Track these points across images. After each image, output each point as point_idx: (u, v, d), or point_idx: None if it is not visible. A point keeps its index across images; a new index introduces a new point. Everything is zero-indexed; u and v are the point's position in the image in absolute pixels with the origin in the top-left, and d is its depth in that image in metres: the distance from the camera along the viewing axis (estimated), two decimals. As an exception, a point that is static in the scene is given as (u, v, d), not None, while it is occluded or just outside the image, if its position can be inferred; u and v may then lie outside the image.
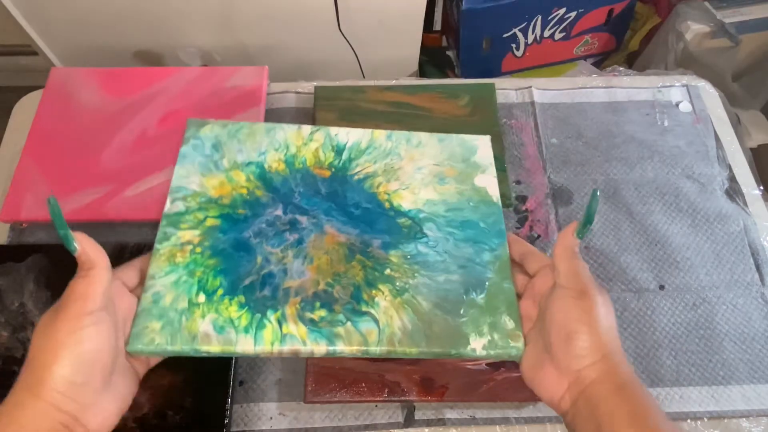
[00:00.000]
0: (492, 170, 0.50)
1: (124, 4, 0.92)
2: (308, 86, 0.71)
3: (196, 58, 1.00)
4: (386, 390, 0.51)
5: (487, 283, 0.43)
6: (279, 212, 0.45)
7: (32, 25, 0.95)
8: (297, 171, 0.47)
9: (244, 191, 0.45)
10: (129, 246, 0.57)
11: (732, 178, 0.66)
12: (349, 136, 0.50)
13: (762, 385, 0.54)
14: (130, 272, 0.40)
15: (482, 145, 0.52)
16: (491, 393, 0.51)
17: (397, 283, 0.42)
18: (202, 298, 0.40)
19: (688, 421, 0.53)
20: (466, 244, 0.45)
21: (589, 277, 0.36)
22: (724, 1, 1.09)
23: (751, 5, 1.09)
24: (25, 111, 0.69)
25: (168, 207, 0.44)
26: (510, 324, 0.41)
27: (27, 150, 0.63)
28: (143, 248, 0.57)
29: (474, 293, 0.42)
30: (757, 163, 0.69)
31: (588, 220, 0.37)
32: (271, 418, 0.52)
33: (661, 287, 0.59)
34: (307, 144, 0.49)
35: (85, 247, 0.35)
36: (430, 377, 0.52)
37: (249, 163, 0.47)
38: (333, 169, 0.48)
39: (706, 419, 0.53)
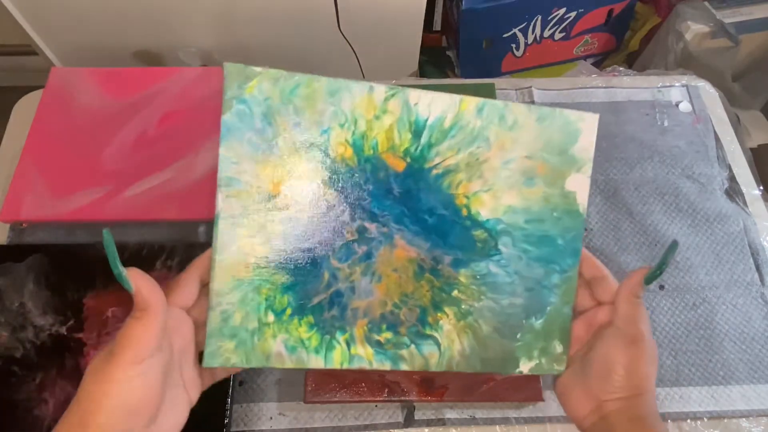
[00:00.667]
0: (588, 167, 0.42)
1: (124, 4, 0.92)
2: (308, 86, 0.71)
3: (195, 58, 1.00)
4: (386, 390, 0.51)
5: (548, 308, 0.41)
6: (346, 217, 0.39)
7: (32, 25, 0.95)
8: (367, 160, 0.40)
9: (306, 186, 0.39)
10: (129, 246, 0.58)
11: (732, 178, 0.66)
12: (431, 108, 0.40)
13: (762, 385, 0.54)
14: (188, 289, 0.37)
15: (586, 129, 0.42)
16: (491, 393, 0.51)
17: (463, 306, 0.41)
18: (271, 317, 0.38)
19: (688, 421, 0.53)
20: (538, 264, 0.41)
21: (646, 326, 0.37)
22: (724, 1, 1.09)
23: (750, 5, 1.09)
24: (25, 111, 0.69)
25: (220, 205, 0.37)
26: (559, 348, 0.41)
27: (27, 150, 0.63)
28: (143, 248, 0.57)
29: (534, 318, 0.41)
30: (757, 163, 0.69)
31: (660, 269, 0.36)
32: (271, 418, 0.52)
33: (661, 287, 0.59)
34: (380, 118, 0.39)
35: (139, 286, 0.33)
36: (430, 377, 0.52)
37: (310, 146, 0.39)
38: (408, 159, 0.40)
39: (706, 419, 0.53)
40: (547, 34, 1.19)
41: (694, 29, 1.07)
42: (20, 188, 0.61)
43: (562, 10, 1.14)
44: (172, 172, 0.62)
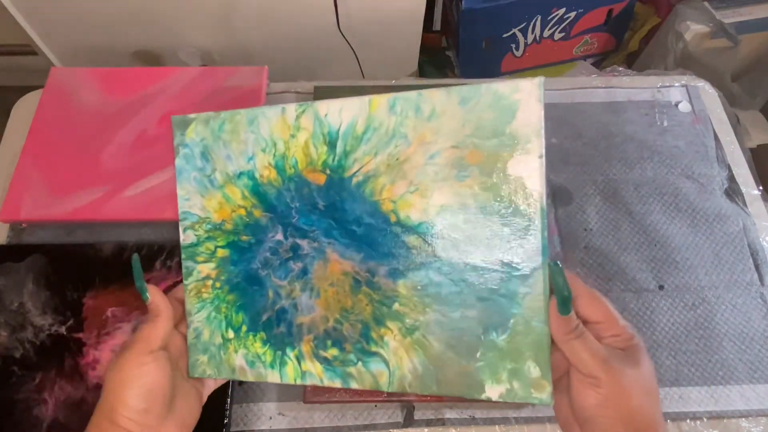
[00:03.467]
0: (537, 144, 0.34)
1: (123, 4, 0.92)
2: (308, 86, 0.71)
3: (195, 58, 1.00)
4: (386, 390, 0.51)
5: (511, 321, 0.35)
6: (280, 236, 0.41)
7: (32, 25, 0.95)
8: (289, 179, 0.41)
9: (243, 212, 0.42)
10: (129, 246, 0.58)
11: (731, 178, 0.66)
12: (341, 116, 0.39)
13: (761, 385, 0.55)
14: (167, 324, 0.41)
15: (526, 100, 0.34)
16: (491, 393, 0.51)
17: (407, 321, 0.38)
18: (231, 334, 0.42)
19: (688, 421, 0.53)
20: (490, 269, 0.36)
21: (597, 359, 0.32)
22: (724, 1, 1.09)
23: (750, 5, 1.09)
24: (24, 111, 0.69)
25: (182, 237, 0.43)
26: (535, 371, 0.34)
27: (26, 150, 0.63)
28: (143, 248, 0.57)
29: (494, 333, 0.35)
30: (757, 163, 0.69)
31: (561, 293, 0.33)
32: (270, 418, 0.52)
33: (661, 287, 0.59)
34: (295, 136, 0.40)
35: (155, 298, 0.40)
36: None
37: (240, 174, 0.42)
38: (328, 171, 0.40)
39: (705, 419, 0.53)
40: (546, 34, 1.19)
41: (693, 29, 1.07)
42: (20, 188, 0.61)
43: (562, 10, 1.14)
44: (172, 172, 0.61)
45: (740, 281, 0.60)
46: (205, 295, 0.42)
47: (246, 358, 0.41)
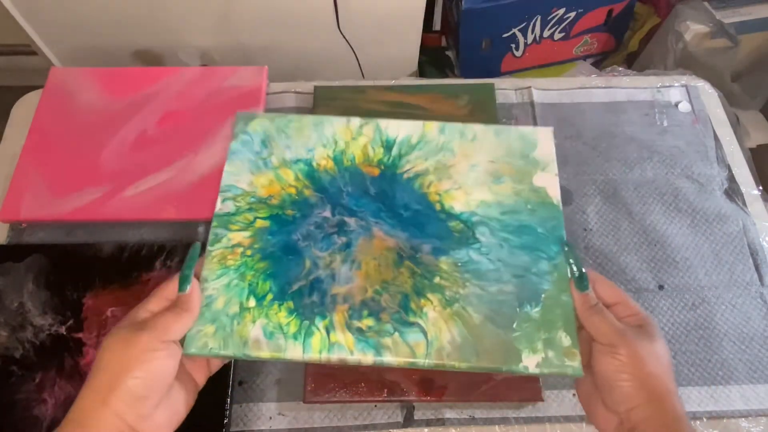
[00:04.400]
0: (553, 167, 0.46)
1: (123, 4, 0.92)
2: (308, 86, 0.71)
3: (195, 58, 1.00)
4: (385, 390, 0.51)
5: (543, 296, 0.41)
6: (327, 213, 0.44)
7: (31, 25, 0.95)
8: (345, 169, 0.46)
9: (293, 191, 0.45)
10: (129, 246, 0.58)
11: (731, 178, 0.66)
12: (399, 129, 0.48)
13: (761, 385, 0.55)
14: (170, 287, 0.39)
15: (543, 139, 0.47)
16: (490, 393, 0.51)
17: (447, 293, 0.41)
18: (252, 302, 0.40)
19: (688, 421, 0.53)
20: (522, 252, 0.42)
21: (616, 330, 0.36)
22: (724, 2, 1.10)
23: (750, 5, 1.09)
24: (24, 111, 0.69)
25: (219, 207, 0.44)
26: (567, 341, 0.39)
27: (26, 150, 0.63)
28: (143, 248, 0.57)
29: (528, 306, 0.40)
30: (756, 163, 0.69)
31: (576, 271, 0.39)
32: (270, 418, 0.52)
33: (661, 287, 0.59)
34: (356, 139, 0.47)
35: (194, 293, 0.38)
36: (430, 377, 0.52)
37: (298, 161, 0.46)
38: (382, 167, 0.46)
39: (705, 419, 0.53)
40: (546, 34, 1.19)
41: (693, 29, 1.08)
42: (20, 188, 0.61)
43: (562, 10, 1.14)
44: (172, 172, 0.62)
45: (740, 281, 0.60)
46: (230, 262, 0.42)
47: (264, 329, 0.39)
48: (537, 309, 0.40)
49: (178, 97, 0.67)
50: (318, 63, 1.08)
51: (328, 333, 0.39)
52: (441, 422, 0.52)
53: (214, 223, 0.43)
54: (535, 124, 0.69)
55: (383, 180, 0.46)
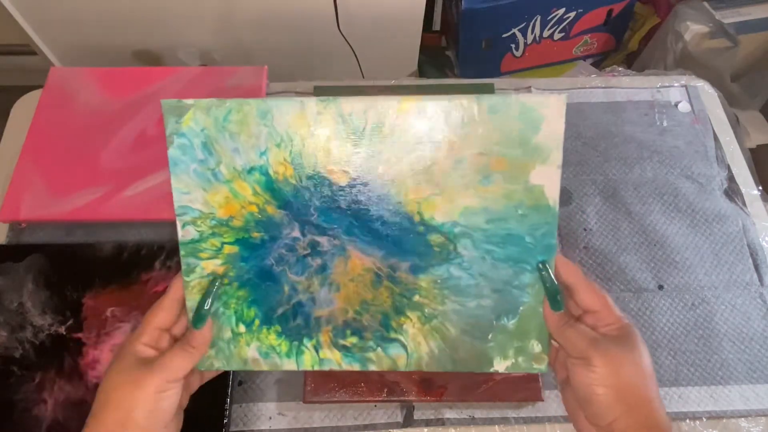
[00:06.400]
0: (557, 155, 0.38)
1: (123, 4, 0.92)
2: (308, 86, 0.71)
3: (195, 58, 1.00)
4: (385, 390, 0.51)
5: (521, 308, 0.40)
6: (297, 233, 0.40)
7: (31, 25, 0.95)
8: (309, 177, 0.39)
9: (254, 209, 0.40)
10: (128, 246, 0.57)
11: (731, 179, 0.66)
12: (367, 116, 0.38)
13: (760, 385, 0.55)
14: (169, 312, 0.39)
15: (551, 115, 0.38)
16: (490, 393, 0.51)
17: (426, 310, 0.41)
18: (242, 328, 0.41)
19: (687, 420, 0.53)
20: (505, 265, 0.39)
21: (589, 341, 0.35)
22: (723, 2, 1.10)
23: (750, 5, 1.09)
24: (23, 111, 0.68)
25: (180, 233, 0.40)
26: (537, 348, 0.40)
27: (26, 150, 0.63)
28: (142, 248, 0.57)
29: (505, 318, 0.40)
30: (756, 163, 0.69)
31: (552, 291, 0.37)
32: (270, 417, 0.52)
33: (660, 287, 0.59)
34: (315, 132, 0.39)
35: (207, 332, 0.38)
36: (429, 377, 0.52)
37: (251, 170, 0.40)
38: (350, 170, 0.39)
39: (704, 419, 0.53)
40: (546, 34, 1.19)
41: (693, 29, 1.08)
42: (19, 188, 0.61)
43: (562, 10, 1.14)
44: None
45: (740, 281, 0.60)
46: None
47: (259, 350, 0.41)
48: (513, 321, 0.40)
49: (178, 96, 0.66)
50: (318, 63, 1.08)
51: (317, 351, 0.41)
52: (441, 422, 0.52)
53: (182, 252, 0.40)
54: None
55: (354, 188, 0.40)
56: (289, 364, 0.41)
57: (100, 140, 0.63)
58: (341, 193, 0.40)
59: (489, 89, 0.69)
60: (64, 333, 0.54)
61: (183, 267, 0.40)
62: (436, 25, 1.22)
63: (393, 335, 0.41)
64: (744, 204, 0.64)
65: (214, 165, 0.40)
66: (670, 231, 0.62)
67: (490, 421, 0.52)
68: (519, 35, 1.18)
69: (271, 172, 0.40)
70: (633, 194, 0.65)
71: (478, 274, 0.40)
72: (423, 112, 0.38)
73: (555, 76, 1.26)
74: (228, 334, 0.41)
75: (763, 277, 0.60)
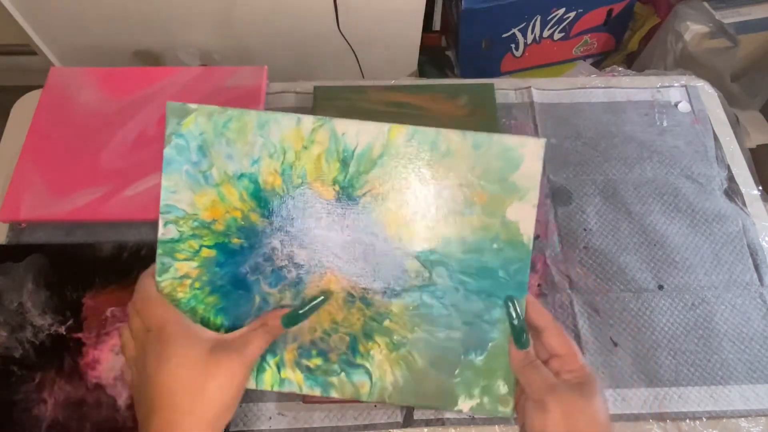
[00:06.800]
0: (533, 195, 0.40)
1: (123, 3, 0.92)
2: (307, 86, 0.71)
3: (195, 58, 1.00)
4: (385, 390, 0.51)
5: (489, 345, 0.40)
6: (276, 243, 0.41)
7: (31, 25, 0.95)
8: (296, 189, 0.41)
9: (239, 214, 0.41)
10: (128, 246, 0.58)
11: (731, 179, 0.66)
12: (358, 137, 0.40)
13: (760, 385, 0.55)
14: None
15: (529, 156, 0.40)
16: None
17: (395, 337, 0.40)
18: None
19: (687, 420, 0.53)
20: (478, 297, 0.40)
21: (548, 386, 0.36)
22: (723, 2, 1.10)
23: (750, 5, 1.09)
24: (23, 111, 0.68)
25: (161, 231, 0.41)
26: (504, 389, 0.40)
27: (26, 150, 0.63)
28: (142, 248, 0.57)
29: (473, 354, 0.40)
30: (756, 163, 0.69)
31: (517, 328, 0.38)
32: (270, 417, 0.52)
33: (660, 287, 0.59)
34: (308, 148, 0.40)
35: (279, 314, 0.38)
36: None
37: (242, 176, 0.41)
38: (337, 188, 0.41)
39: (704, 419, 0.53)
40: (546, 34, 1.19)
41: (693, 29, 1.08)
42: (19, 188, 0.61)
43: (562, 10, 1.14)
44: (172, 171, 0.62)
45: (739, 281, 0.60)
46: (180, 295, 0.41)
47: None
48: (481, 357, 0.40)
49: (178, 97, 0.67)
50: (318, 63, 1.08)
51: (278, 369, 0.40)
52: (441, 422, 0.52)
53: (159, 251, 0.41)
54: (534, 123, 0.69)
55: (338, 205, 0.41)
56: (248, 382, 0.40)
57: (100, 140, 0.63)
58: (325, 208, 0.41)
59: (489, 89, 0.69)
60: (64, 333, 0.54)
61: (157, 266, 0.40)
62: (436, 25, 1.22)
63: (359, 360, 0.40)
64: (744, 204, 0.64)
65: (206, 168, 0.41)
66: (670, 231, 0.62)
67: (490, 421, 0.52)
68: (519, 35, 1.18)
69: (260, 180, 0.41)
70: (633, 194, 0.65)
71: (450, 305, 0.40)
72: (411, 140, 0.40)
73: (555, 76, 1.26)
74: None
75: (763, 277, 0.60)
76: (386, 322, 0.40)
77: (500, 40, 1.17)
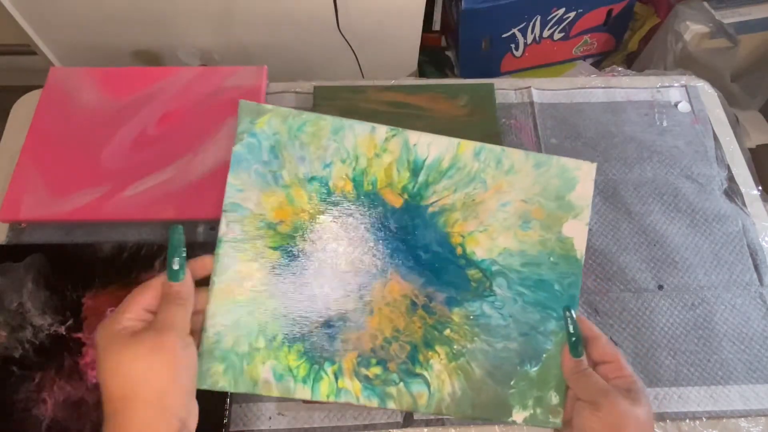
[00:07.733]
0: (586, 214, 0.43)
1: (123, 3, 0.92)
2: (307, 86, 0.71)
3: (195, 58, 1.00)
4: (385, 390, 0.51)
5: (544, 356, 0.41)
6: (342, 249, 0.41)
7: (31, 25, 0.95)
8: (366, 195, 0.41)
9: (306, 217, 0.41)
10: (128, 246, 0.57)
11: (731, 179, 0.66)
12: (430, 148, 0.42)
13: (760, 385, 0.55)
14: (158, 294, 0.39)
15: (584, 178, 0.43)
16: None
17: (455, 346, 0.41)
18: (262, 343, 0.39)
19: (687, 420, 0.53)
20: (534, 309, 0.42)
21: (600, 389, 0.37)
22: (723, 2, 1.10)
23: (749, 5, 1.09)
24: (23, 111, 0.68)
25: (223, 230, 0.40)
26: (555, 399, 0.41)
27: (26, 150, 0.63)
28: (142, 248, 0.57)
29: (528, 365, 0.41)
30: (756, 163, 0.69)
31: (573, 338, 0.40)
32: (270, 417, 0.52)
33: (660, 287, 0.59)
34: (380, 156, 0.41)
35: (189, 283, 0.38)
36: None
37: (312, 179, 0.41)
38: (406, 196, 0.42)
39: (704, 419, 0.53)
40: (546, 34, 1.19)
41: (693, 29, 1.08)
42: (19, 188, 0.61)
43: (562, 10, 1.14)
44: (171, 171, 0.62)
45: (739, 281, 0.60)
46: (239, 297, 0.39)
47: (274, 371, 0.39)
48: (536, 368, 0.41)
49: (178, 97, 0.66)
50: (318, 63, 1.08)
51: (336, 378, 0.39)
52: (441, 422, 0.52)
53: (220, 249, 0.40)
54: (534, 123, 0.69)
55: (405, 213, 0.42)
56: (303, 392, 0.39)
57: (100, 140, 0.63)
58: (393, 215, 0.42)
59: (489, 89, 0.69)
60: (64, 333, 0.54)
61: (215, 266, 0.40)
62: (436, 25, 1.22)
63: (419, 369, 0.40)
64: (744, 204, 0.64)
65: (276, 168, 0.41)
66: (670, 231, 0.62)
67: (490, 421, 0.52)
68: (519, 35, 1.18)
69: (330, 184, 0.41)
70: (633, 194, 0.65)
71: (509, 315, 0.41)
72: (479, 155, 0.43)
73: (555, 76, 1.26)
74: (244, 348, 0.39)
75: (763, 277, 0.60)
76: (447, 331, 0.41)
77: (500, 40, 1.17)
